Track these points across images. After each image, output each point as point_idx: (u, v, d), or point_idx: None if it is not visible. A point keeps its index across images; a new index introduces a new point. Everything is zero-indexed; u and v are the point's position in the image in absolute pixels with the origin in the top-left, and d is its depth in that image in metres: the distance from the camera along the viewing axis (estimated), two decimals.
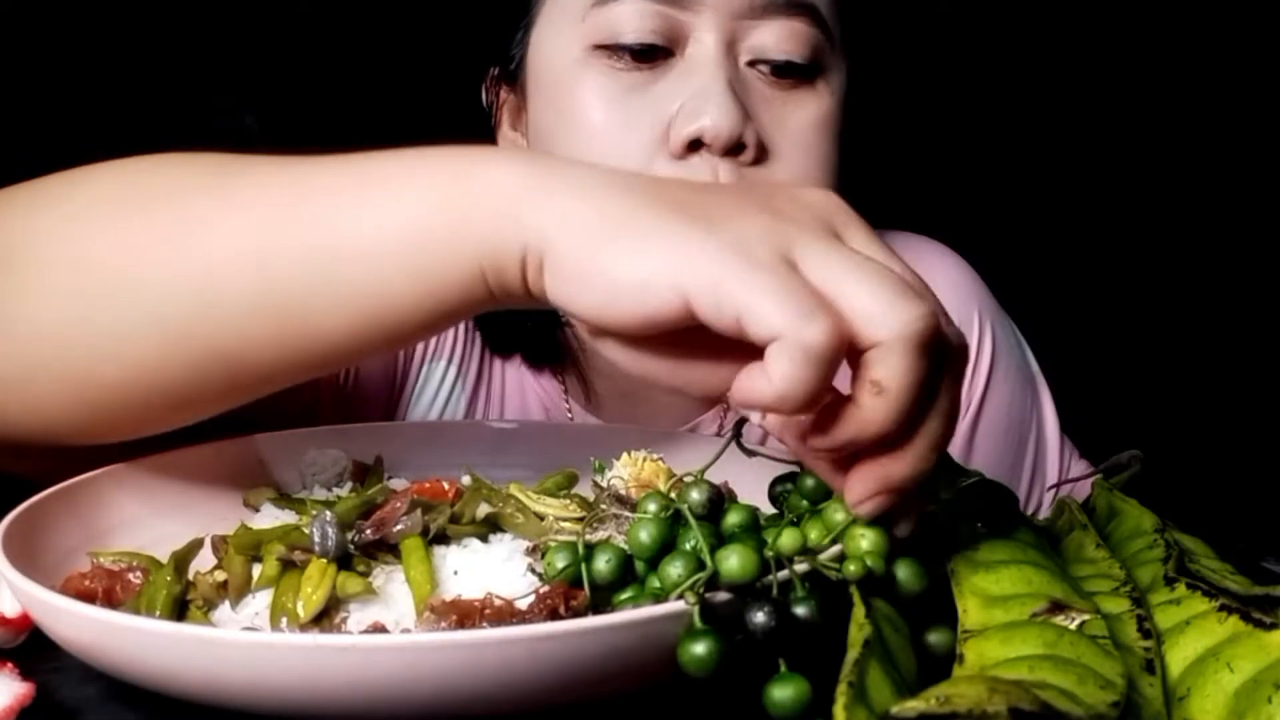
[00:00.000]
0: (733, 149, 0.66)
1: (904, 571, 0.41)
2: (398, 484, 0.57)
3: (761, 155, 0.68)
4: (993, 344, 0.83)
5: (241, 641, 0.37)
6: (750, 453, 0.50)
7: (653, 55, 0.68)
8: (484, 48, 0.78)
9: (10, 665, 0.42)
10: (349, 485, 0.59)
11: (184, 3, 1.34)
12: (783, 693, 0.36)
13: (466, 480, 0.57)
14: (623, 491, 0.51)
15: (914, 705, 0.30)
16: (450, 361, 0.80)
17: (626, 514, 0.48)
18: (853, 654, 0.35)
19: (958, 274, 0.85)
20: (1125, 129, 1.53)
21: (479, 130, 0.79)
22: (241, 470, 0.59)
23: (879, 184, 1.41)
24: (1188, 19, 1.49)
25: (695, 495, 0.45)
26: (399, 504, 0.50)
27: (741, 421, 0.49)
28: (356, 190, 0.46)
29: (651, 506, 0.46)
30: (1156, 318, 1.55)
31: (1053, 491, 0.84)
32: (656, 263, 0.38)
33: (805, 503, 0.49)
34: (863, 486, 0.40)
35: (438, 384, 0.80)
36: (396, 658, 0.35)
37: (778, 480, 0.52)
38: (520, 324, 0.79)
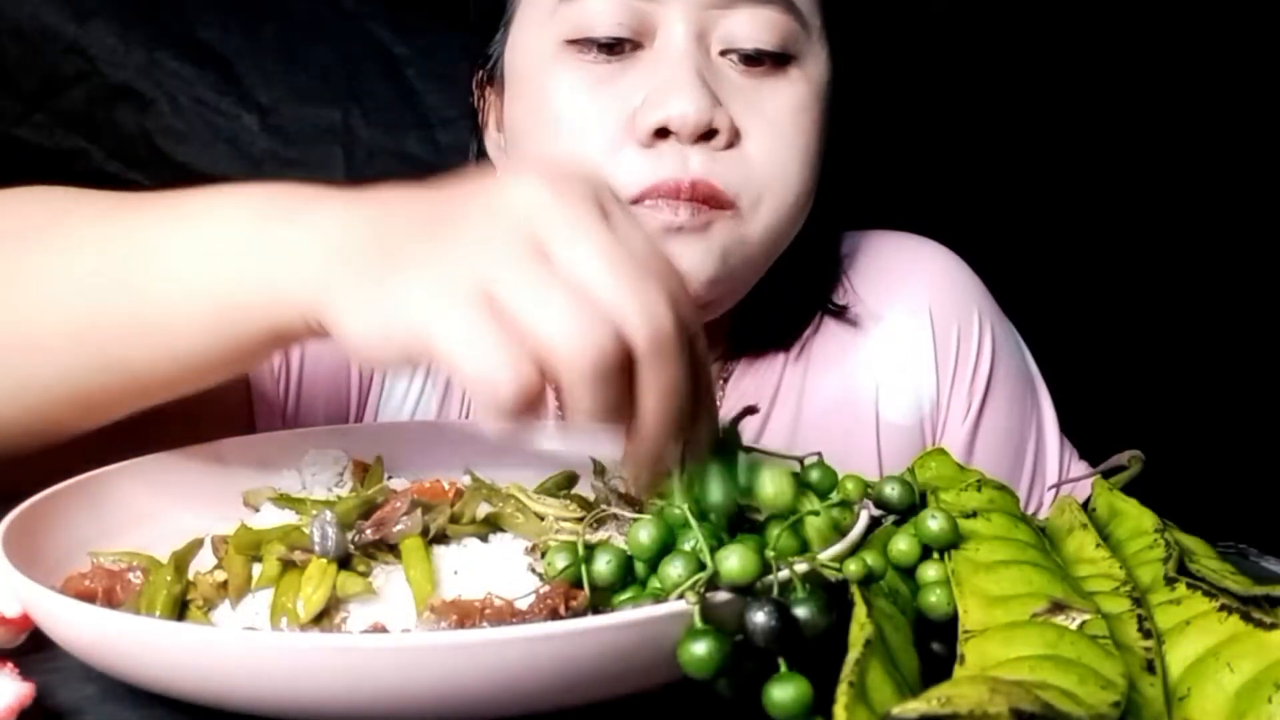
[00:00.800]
0: (704, 135, 0.66)
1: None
2: (398, 484, 0.57)
3: (735, 139, 0.68)
4: (992, 346, 0.83)
5: (241, 641, 0.37)
6: (746, 450, 0.50)
7: (622, 47, 0.68)
8: (469, 47, 0.78)
9: (10, 665, 0.42)
10: (349, 485, 0.59)
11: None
12: (783, 693, 0.36)
13: (466, 480, 0.57)
14: (623, 490, 0.51)
15: (915, 706, 0.30)
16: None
17: (627, 514, 0.48)
18: (854, 654, 0.35)
19: (957, 275, 0.85)
20: (1126, 129, 1.53)
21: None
22: (241, 470, 0.59)
23: (881, 183, 1.42)
24: (1188, 17, 1.49)
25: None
26: (399, 504, 0.50)
27: (738, 420, 0.49)
28: (164, 253, 0.48)
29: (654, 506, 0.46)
30: (1156, 318, 1.55)
31: (1053, 492, 0.84)
32: (385, 316, 0.40)
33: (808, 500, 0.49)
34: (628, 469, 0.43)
35: (405, 387, 0.80)
36: (396, 658, 0.35)
37: None
38: None
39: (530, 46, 0.71)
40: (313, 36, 1.38)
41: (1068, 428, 0.88)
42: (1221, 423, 1.55)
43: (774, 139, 0.69)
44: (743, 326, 0.80)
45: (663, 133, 0.66)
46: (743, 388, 0.81)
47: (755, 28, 0.68)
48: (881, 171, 1.42)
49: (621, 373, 0.38)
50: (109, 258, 0.49)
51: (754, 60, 0.69)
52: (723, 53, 0.69)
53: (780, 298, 0.79)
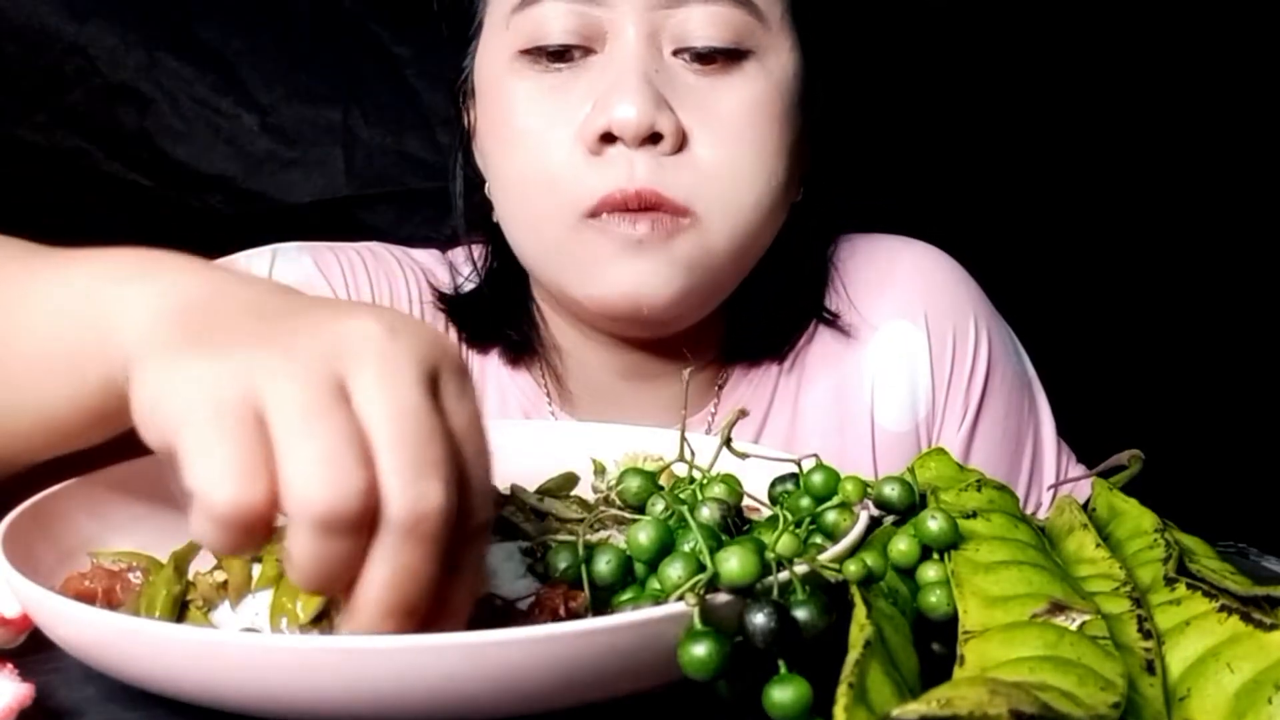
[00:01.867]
0: (650, 139, 0.65)
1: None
2: None
3: (683, 143, 0.66)
4: (989, 351, 0.82)
5: (241, 642, 0.37)
6: (743, 455, 0.51)
7: (573, 54, 0.68)
8: (451, 65, 0.78)
9: (10, 665, 0.42)
10: None
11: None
12: (783, 693, 0.36)
13: None
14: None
15: (915, 707, 0.30)
16: None
17: (627, 515, 0.48)
18: (853, 654, 0.35)
19: (953, 280, 0.84)
20: (1127, 129, 1.53)
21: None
22: None
23: (878, 183, 1.42)
24: (1187, 16, 1.49)
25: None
26: None
27: (732, 424, 0.49)
28: (22, 309, 0.47)
29: (657, 507, 0.46)
30: (1156, 318, 1.55)
31: (1050, 495, 0.83)
32: (156, 395, 0.37)
33: (807, 502, 0.49)
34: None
35: None
36: (397, 658, 0.35)
37: (778, 480, 0.52)
38: (499, 318, 0.79)
39: (491, 59, 0.71)
40: (313, 36, 1.38)
41: (1068, 428, 0.88)
42: (1221, 423, 1.55)
43: (726, 140, 0.67)
44: (736, 334, 0.80)
45: (610, 138, 0.65)
46: (737, 395, 0.81)
47: (707, 24, 0.67)
48: (879, 171, 1.42)
49: (353, 538, 0.35)
50: None
51: (707, 58, 0.67)
52: (676, 52, 0.68)
53: (772, 306, 0.79)
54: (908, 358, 0.80)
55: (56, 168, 1.35)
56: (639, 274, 0.66)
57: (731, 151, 0.67)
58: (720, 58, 0.68)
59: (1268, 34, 1.50)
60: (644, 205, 0.65)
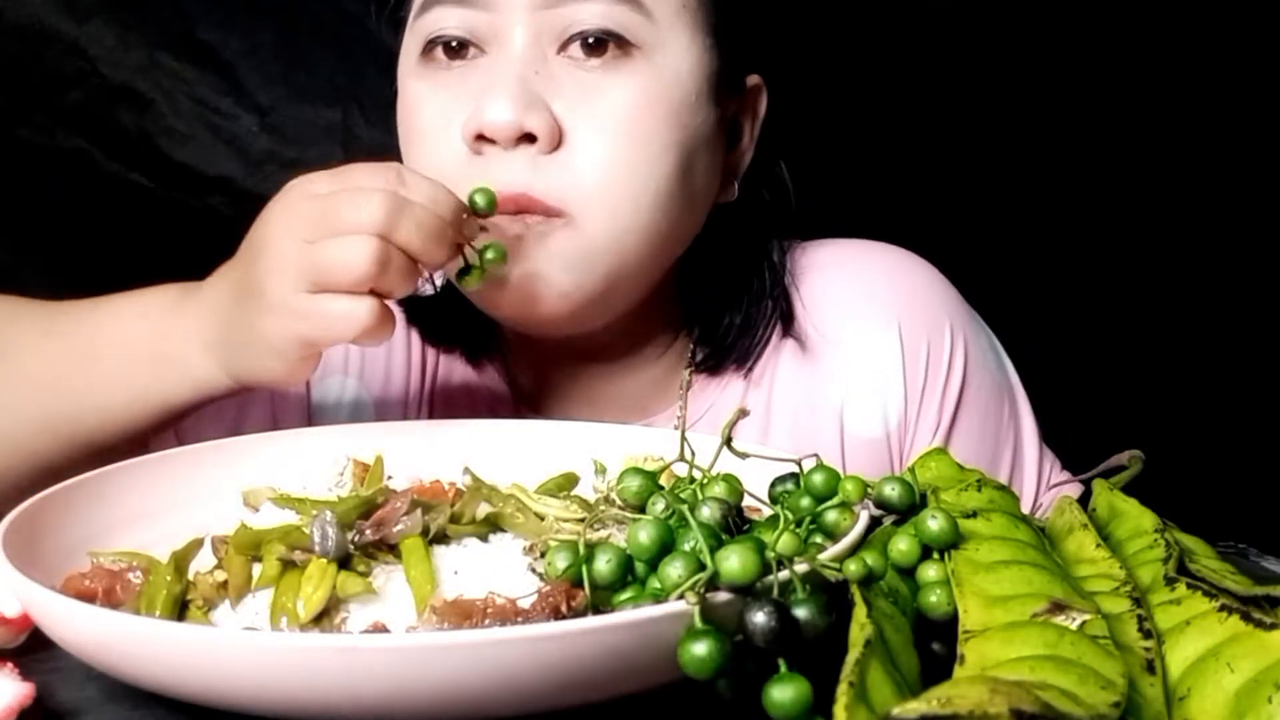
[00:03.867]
0: (524, 138, 0.66)
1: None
2: (398, 484, 0.57)
3: (559, 142, 0.66)
4: (965, 360, 0.81)
5: (241, 641, 0.37)
6: (743, 455, 0.51)
7: (465, 53, 0.69)
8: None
9: (10, 665, 0.42)
10: (349, 485, 0.59)
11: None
12: (783, 693, 0.36)
13: (467, 480, 0.57)
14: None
15: (915, 706, 0.30)
16: (347, 375, 0.81)
17: (627, 515, 0.48)
18: (854, 654, 0.35)
19: (928, 286, 0.83)
20: (1127, 130, 1.53)
21: None
22: (241, 470, 0.59)
23: (871, 186, 1.42)
24: (1183, 17, 1.49)
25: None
26: (399, 504, 0.50)
27: (733, 423, 0.49)
28: (99, 359, 0.66)
29: (657, 507, 0.46)
30: (1156, 318, 1.55)
31: (1032, 499, 0.83)
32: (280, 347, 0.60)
33: (807, 502, 0.49)
34: None
35: (335, 399, 0.81)
36: (397, 658, 0.35)
37: (778, 480, 0.52)
38: (455, 316, 0.80)
39: (401, 63, 0.73)
40: (313, 36, 1.38)
41: (1068, 429, 0.87)
42: (1221, 423, 1.55)
43: (605, 138, 0.67)
44: (701, 343, 0.80)
45: (487, 139, 0.66)
46: (705, 397, 0.81)
47: (587, 20, 0.67)
48: (870, 172, 1.42)
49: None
50: (59, 369, 0.66)
51: (595, 49, 0.67)
52: (564, 46, 0.67)
53: (725, 309, 0.79)
54: (880, 366, 0.79)
55: (57, 167, 1.35)
56: (523, 277, 0.67)
57: (610, 150, 0.67)
58: (608, 48, 0.67)
59: (1265, 35, 1.50)
60: (518, 209, 0.66)
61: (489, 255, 0.63)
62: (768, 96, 0.78)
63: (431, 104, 0.69)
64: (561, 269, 0.67)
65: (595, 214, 0.67)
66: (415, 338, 0.83)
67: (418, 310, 0.81)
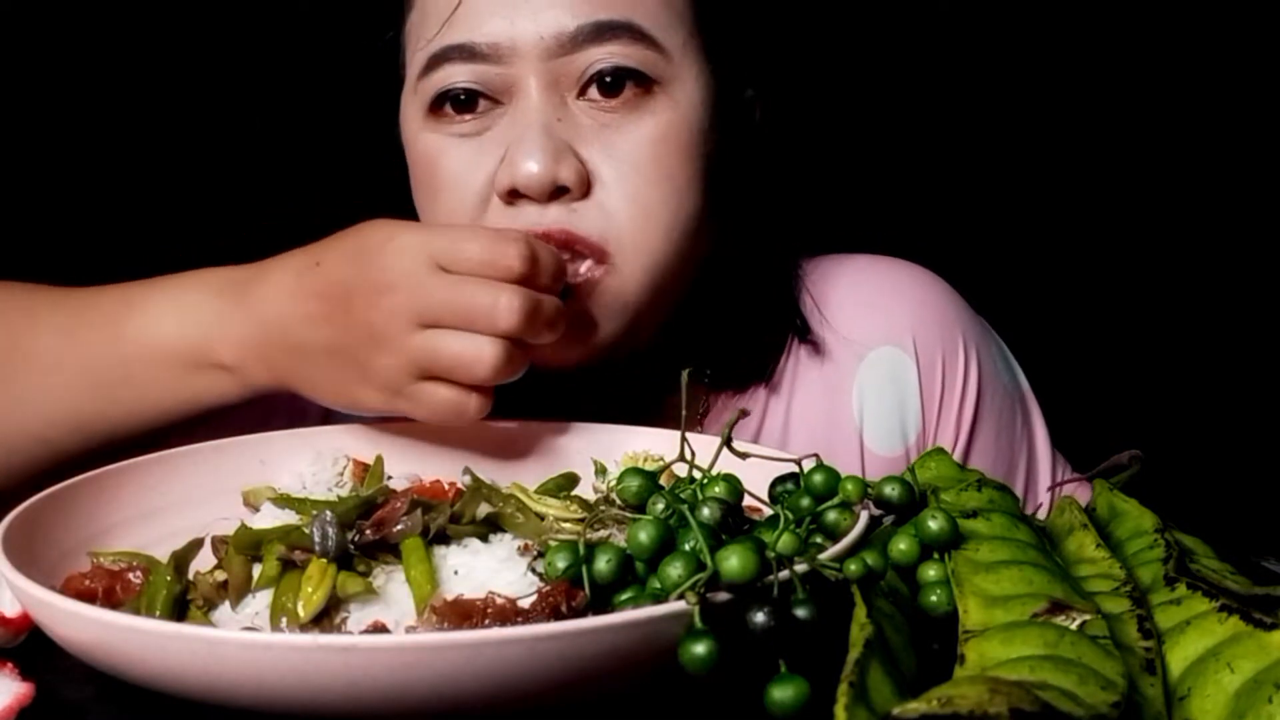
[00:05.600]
0: (556, 191, 0.66)
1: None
2: (398, 484, 0.57)
3: (588, 189, 0.67)
4: (979, 373, 0.81)
5: (241, 641, 0.37)
6: (743, 455, 0.51)
7: (477, 105, 0.68)
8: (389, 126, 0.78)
9: (10, 665, 0.42)
10: (349, 485, 0.59)
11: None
12: (783, 693, 0.36)
13: (467, 480, 0.57)
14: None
15: (915, 706, 0.30)
16: None
17: (627, 514, 0.48)
18: (854, 654, 0.34)
19: (939, 300, 0.83)
20: (1127, 130, 1.53)
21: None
22: (241, 470, 0.59)
23: (874, 193, 1.42)
24: (1182, 19, 1.49)
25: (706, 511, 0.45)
26: (399, 504, 0.50)
27: (733, 424, 0.49)
28: (135, 359, 0.65)
29: (658, 507, 0.46)
30: (1157, 318, 1.55)
31: (1045, 505, 0.83)
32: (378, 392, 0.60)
33: (808, 502, 0.49)
34: None
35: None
36: (397, 658, 0.35)
37: (778, 480, 0.52)
38: None
39: (407, 119, 0.72)
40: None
41: (1068, 428, 0.87)
42: (1221, 423, 1.55)
43: (634, 178, 0.67)
44: (719, 362, 0.79)
45: (520, 193, 0.66)
46: (722, 421, 0.80)
47: (602, 60, 0.67)
48: (872, 181, 1.42)
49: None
50: (93, 368, 0.65)
51: (613, 90, 0.67)
52: (582, 91, 0.68)
53: (744, 332, 0.79)
54: (896, 383, 0.80)
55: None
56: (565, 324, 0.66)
57: (636, 190, 0.67)
58: (626, 87, 0.67)
59: (1265, 35, 1.50)
60: (558, 245, 0.65)
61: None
62: (761, 107, 0.78)
63: (453, 157, 0.69)
64: (603, 316, 0.68)
65: (631, 253, 0.68)
66: None
67: None
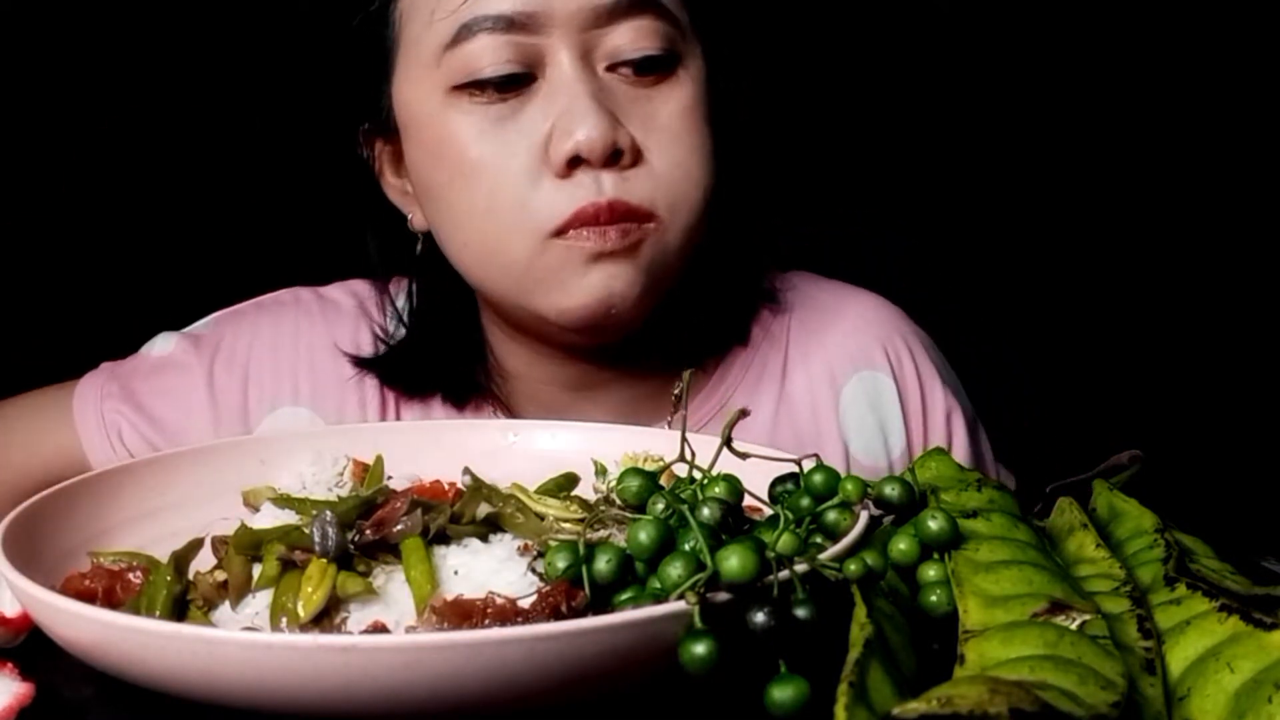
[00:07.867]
0: (611, 156, 0.67)
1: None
2: (398, 484, 0.57)
3: (638, 157, 0.69)
4: (942, 389, 0.84)
5: (241, 641, 0.37)
6: (743, 455, 0.51)
7: (515, 83, 0.68)
8: (348, 105, 0.78)
9: (10, 665, 0.42)
10: (349, 485, 0.59)
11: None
12: (783, 693, 0.36)
13: (467, 480, 0.57)
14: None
15: (915, 706, 0.30)
16: (298, 406, 0.78)
17: (627, 515, 0.48)
18: (854, 654, 0.35)
19: (902, 325, 0.86)
20: (1128, 131, 1.53)
21: (363, 179, 0.79)
22: (241, 470, 0.59)
23: (874, 194, 1.42)
24: (1182, 18, 1.49)
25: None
26: (399, 504, 0.50)
27: (733, 423, 0.49)
28: None
29: (657, 507, 0.46)
30: (1157, 318, 1.55)
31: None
32: None
33: (808, 502, 0.49)
34: None
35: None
36: (397, 658, 0.35)
37: (778, 480, 0.52)
38: (439, 363, 0.79)
39: (419, 98, 0.71)
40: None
41: (1068, 428, 0.88)
42: (1221, 423, 1.55)
43: (672, 146, 0.70)
44: (696, 331, 0.81)
45: (576, 160, 0.67)
46: (719, 396, 0.82)
47: (637, 38, 0.69)
48: (872, 181, 1.42)
49: None
50: None
51: (642, 69, 0.69)
52: (611, 67, 0.69)
53: (719, 301, 0.81)
54: (877, 405, 0.83)
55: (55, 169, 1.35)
56: (608, 281, 0.69)
57: (679, 156, 0.70)
58: (654, 68, 0.70)
59: (1265, 36, 1.50)
60: (615, 217, 0.67)
61: None
62: (745, 98, 0.80)
63: (490, 135, 0.69)
64: (644, 271, 0.69)
65: (676, 217, 0.70)
66: (372, 396, 0.80)
67: (388, 367, 0.79)
